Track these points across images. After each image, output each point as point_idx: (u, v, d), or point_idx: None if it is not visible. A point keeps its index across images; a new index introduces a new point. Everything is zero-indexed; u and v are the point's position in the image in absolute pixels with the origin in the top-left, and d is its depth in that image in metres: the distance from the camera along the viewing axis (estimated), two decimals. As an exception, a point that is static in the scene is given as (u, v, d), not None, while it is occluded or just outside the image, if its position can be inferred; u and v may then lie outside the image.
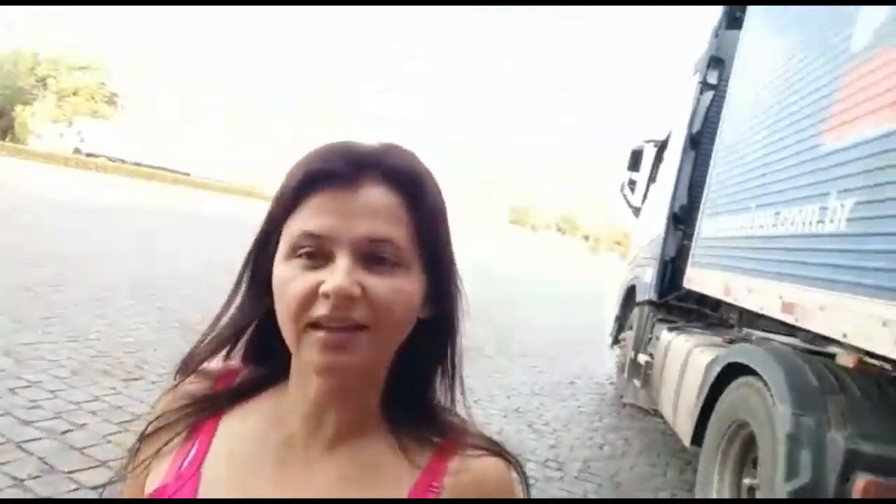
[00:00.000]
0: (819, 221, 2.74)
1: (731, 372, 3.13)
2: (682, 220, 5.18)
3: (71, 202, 17.49)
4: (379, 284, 0.57)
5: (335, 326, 0.56)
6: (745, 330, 4.14)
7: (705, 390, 3.36)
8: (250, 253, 0.65)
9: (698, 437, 3.42)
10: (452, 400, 0.69)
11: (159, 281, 7.37)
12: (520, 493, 0.66)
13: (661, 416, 4.70)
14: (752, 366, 2.85)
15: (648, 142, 6.87)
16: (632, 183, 7.09)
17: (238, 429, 0.66)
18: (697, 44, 5.75)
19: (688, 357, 3.98)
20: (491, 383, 5.81)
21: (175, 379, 0.70)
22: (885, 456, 2.16)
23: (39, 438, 2.94)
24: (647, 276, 5.74)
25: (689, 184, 5.23)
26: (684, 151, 5.29)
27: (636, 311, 6.04)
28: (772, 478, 2.42)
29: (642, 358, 5.30)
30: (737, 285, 3.63)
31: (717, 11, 5.47)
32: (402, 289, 0.59)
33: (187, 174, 58.19)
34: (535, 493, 3.52)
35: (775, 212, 3.28)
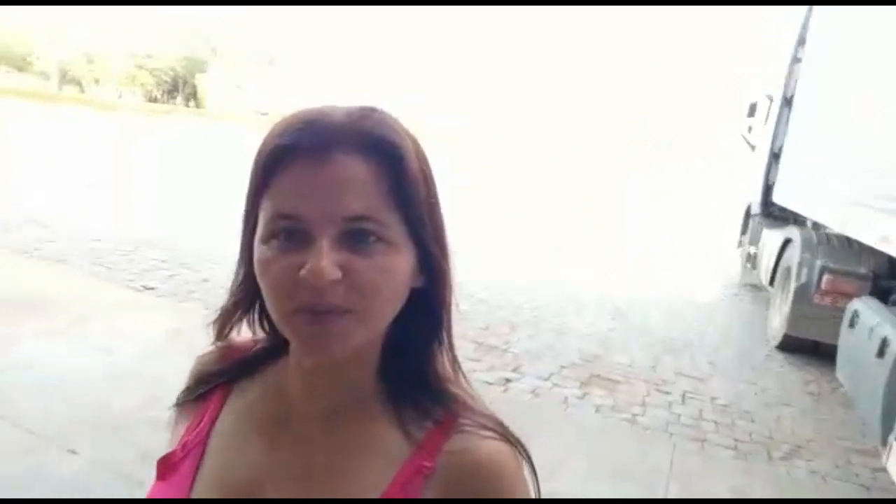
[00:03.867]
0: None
1: (786, 243, 5.93)
2: (779, 156, 7.69)
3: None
4: (362, 265, 0.54)
5: (319, 311, 0.54)
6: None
7: (775, 253, 6.19)
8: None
9: (772, 280, 6.28)
10: (456, 375, 0.66)
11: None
12: (521, 481, 0.61)
13: (761, 287, 7.47)
14: (791, 238, 5.67)
15: (766, 96, 9.21)
16: (749, 128, 9.50)
17: (244, 400, 0.68)
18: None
19: (771, 241, 6.71)
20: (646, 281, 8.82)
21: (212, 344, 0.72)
22: (839, 268, 4.94)
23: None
24: (757, 198, 8.32)
25: (785, 131, 7.70)
26: (781, 108, 7.73)
27: (751, 221, 8.67)
28: (791, 285, 5.30)
29: (752, 250, 8.00)
30: (799, 197, 6.32)
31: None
32: (387, 267, 0.56)
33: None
34: (692, 310, 6.52)
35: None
